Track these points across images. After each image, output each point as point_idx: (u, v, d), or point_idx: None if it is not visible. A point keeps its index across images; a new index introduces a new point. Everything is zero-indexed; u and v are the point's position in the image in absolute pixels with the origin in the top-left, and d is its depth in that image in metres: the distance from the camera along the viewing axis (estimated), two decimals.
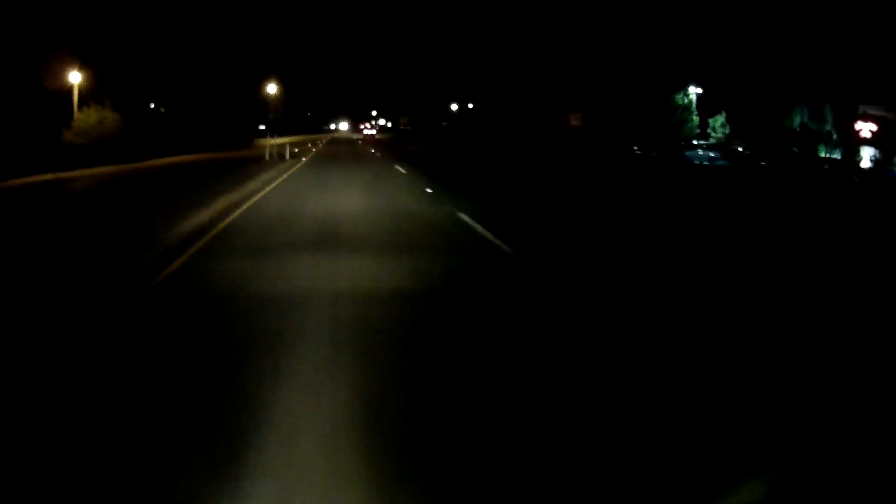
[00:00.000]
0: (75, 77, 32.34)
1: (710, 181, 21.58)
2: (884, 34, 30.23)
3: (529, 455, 3.16)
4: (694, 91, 45.99)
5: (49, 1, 32.86)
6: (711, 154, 31.14)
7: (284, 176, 20.12)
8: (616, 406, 3.71)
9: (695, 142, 42.55)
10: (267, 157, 28.99)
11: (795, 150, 37.20)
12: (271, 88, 67.92)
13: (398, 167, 25.32)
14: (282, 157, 30.13)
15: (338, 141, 72.40)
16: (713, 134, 44.90)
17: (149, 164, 25.94)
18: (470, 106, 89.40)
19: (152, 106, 61.55)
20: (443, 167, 27.23)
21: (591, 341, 4.81)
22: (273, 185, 17.00)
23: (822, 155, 37.37)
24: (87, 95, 33.18)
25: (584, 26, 50.28)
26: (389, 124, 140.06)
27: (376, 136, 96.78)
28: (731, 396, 3.84)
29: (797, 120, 40.57)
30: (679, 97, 45.07)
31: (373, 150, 44.79)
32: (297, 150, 38.52)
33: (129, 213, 11.27)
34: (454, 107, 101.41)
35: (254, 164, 24.77)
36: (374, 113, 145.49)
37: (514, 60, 59.40)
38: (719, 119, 45.11)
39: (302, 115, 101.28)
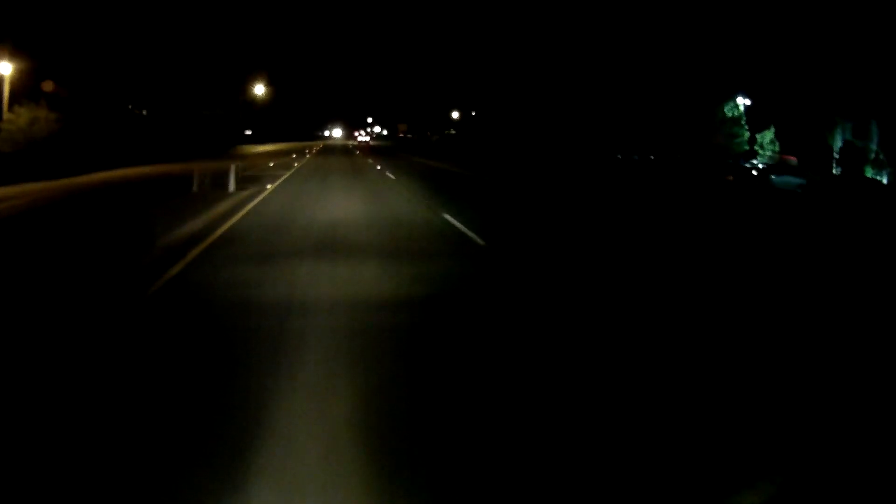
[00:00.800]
0: (5, 68, 25.76)
1: (835, 226, 15.02)
2: None
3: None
4: (742, 102, 40.34)
5: None
6: (795, 180, 25.05)
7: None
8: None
9: (755, 161, 37.43)
10: (196, 188, 16.49)
11: (838, 170, 33.15)
12: (259, 90, 61.47)
13: (452, 219, 11.66)
14: (220, 185, 17.18)
15: (331, 150, 61.75)
16: (761, 151, 39.63)
17: (83, 181, 19.24)
18: (473, 113, 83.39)
19: (129, 107, 55.81)
20: (551, 220, 13.56)
21: None
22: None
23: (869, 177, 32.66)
24: (23, 92, 26.65)
25: (615, 27, 44.19)
26: (385, 132, 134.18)
27: (370, 143, 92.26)
28: None
29: (838, 137, 35.90)
30: (728, 108, 39.24)
31: (378, 167, 31.30)
32: (272, 165, 30.35)
33: None
34: (455, 114, 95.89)
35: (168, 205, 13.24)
36: (369, 120, 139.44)
37: (531, 66, 53.11)
38: (768, 135, 39.80)
39: (293, 121, 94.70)
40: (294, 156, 42.47)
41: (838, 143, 35.05)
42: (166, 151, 37.56)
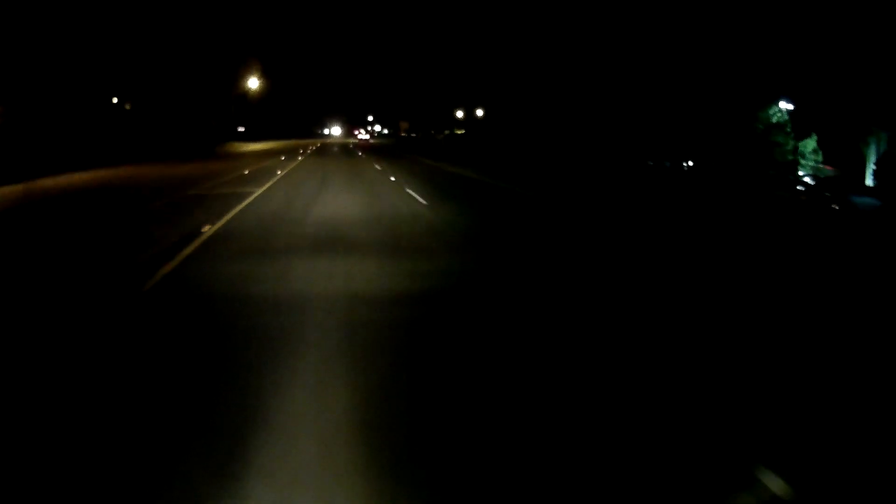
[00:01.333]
0: None
1: None
2: None
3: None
4: (785, 107, 36.44)
5: None
6: (868, 200, 21.16)
7: None
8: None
9: (800, 173, 34.06)
10: None
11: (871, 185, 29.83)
12: (253, 83, 57.33)
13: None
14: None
15: (328, 150, 52.31)
16: (802, 161, 35.97)
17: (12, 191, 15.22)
18: (479, 113, 79.28)
19: (115, 100, 51.95)
20: None
21: None
22: None
23: None
24: None
25: (640, 20, 40.04)
26: (386, 130, 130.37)
27: (371, 142, 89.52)
28: None
29: (873, 147, 32.86)
30: (774, 113, 35.27)
31: (392, 178, 22.51)
32: (246, 173, 22.98)
33: None
34: (460, 113, 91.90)
35: None
36: (370, 118, 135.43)
37: (547, 62, 48.88)
38: (810, 143, 36.09)
39: (290, 117, 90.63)
40: (282, 158, 35.78)
41: (873, 154, 32.01)
42: (144, 150, 33.56)
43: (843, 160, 34.31)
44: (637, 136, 37.93)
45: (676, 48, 37.53)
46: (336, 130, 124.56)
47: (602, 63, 41.49)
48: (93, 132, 34.58)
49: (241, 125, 59.10)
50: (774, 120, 35.62)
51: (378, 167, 30.06)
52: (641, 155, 35.25)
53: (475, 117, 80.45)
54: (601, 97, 41.76)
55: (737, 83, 36.27)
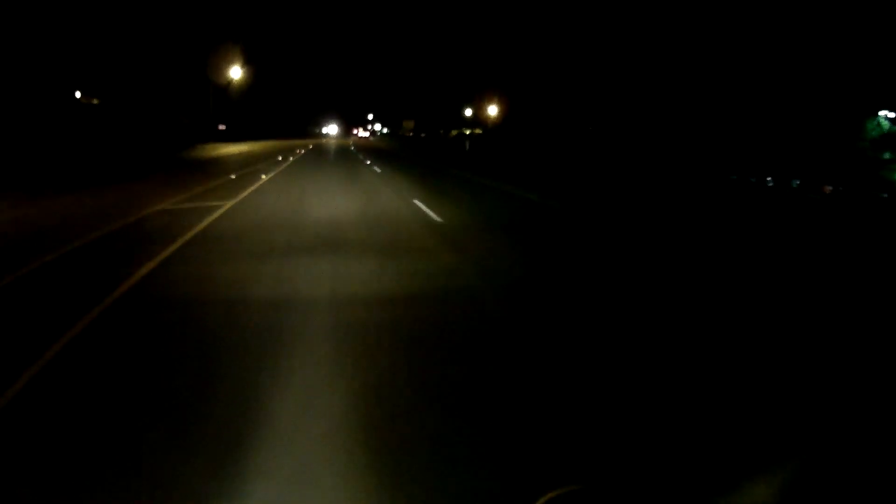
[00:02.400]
0: None
1: None
2: None
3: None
4: (885, 115, 29.74)
5: None
6: None
7: None
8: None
9: None
10: None
11: None
12: (235, 73, 49.65)
13: None
14: None
15: (322, 158, 39.01)
16: None
17: None
18: (491, 110, 72.02)
19: (78, 95, 44.81)
20: None
21: None
22: None
23: None
24: None
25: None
26: (386, 130, 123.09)
27: (370, 140, 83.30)
28: None
29: None
30: (886, 123, 28.43)
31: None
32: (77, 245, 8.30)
33: None
34: (468, 112, 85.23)
35: None
36: (370, 116, 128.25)
37: (585, 55, 41.39)
38: None
39: (282, 115, 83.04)
40: (233, 177, 21.11)
41: None
42: (76, 161, 25.91)
43: None
44: (713, 144, 30.76)
45: (765, 37, 30.24)
46: (333, 129, 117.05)
47: (660, 59, 34.14)
48: (33, 135, 27.45)
49: (223, 123, 51.15)
50: (885, 130, 28.55)
51: (429, 211, 13.44)
52: (722, 168, 28.17)
53: (486, 116, 73.34)
54: (657, 99, 34.36)
55: (836, 86, 29.12)
